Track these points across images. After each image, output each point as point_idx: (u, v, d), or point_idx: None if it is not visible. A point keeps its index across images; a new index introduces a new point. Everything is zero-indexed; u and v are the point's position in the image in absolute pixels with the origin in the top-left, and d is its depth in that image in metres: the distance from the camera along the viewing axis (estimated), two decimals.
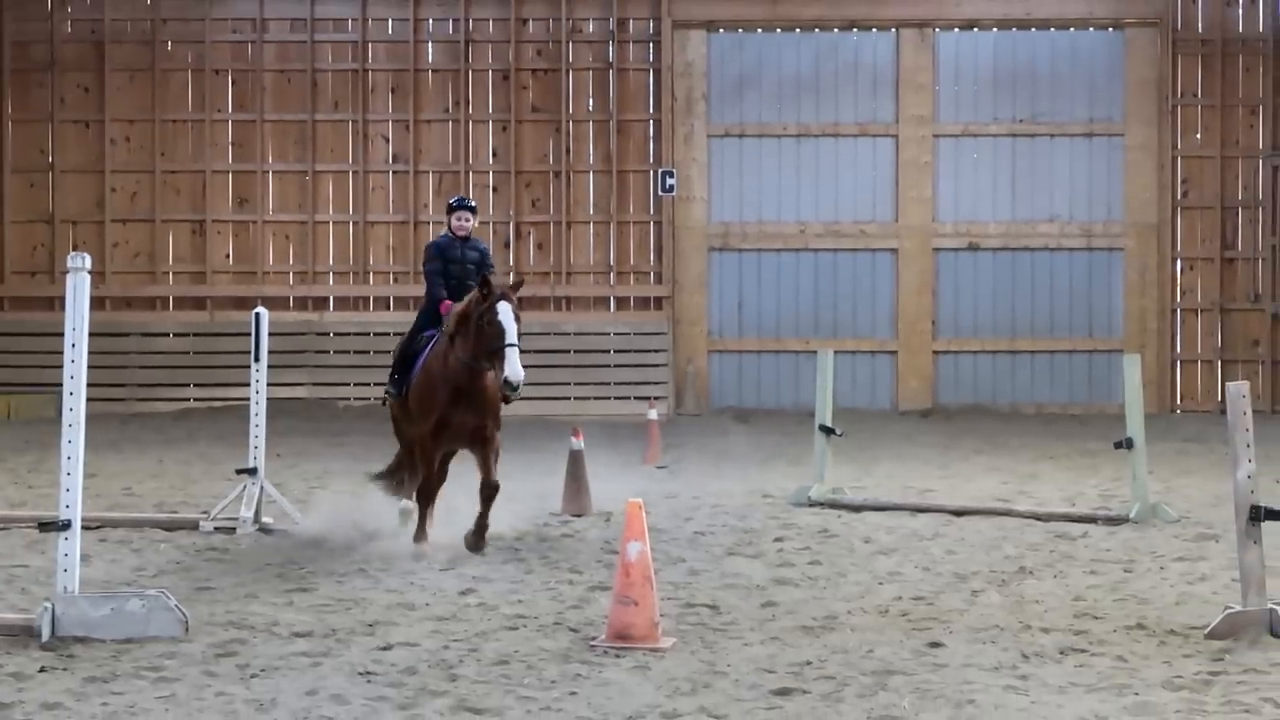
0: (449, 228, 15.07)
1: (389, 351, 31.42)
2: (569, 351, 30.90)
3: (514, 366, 13.19)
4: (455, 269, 14.73)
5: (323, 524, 15.58)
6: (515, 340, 13.29)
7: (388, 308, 31.78)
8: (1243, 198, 31.64)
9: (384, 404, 15.44)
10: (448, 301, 14.38)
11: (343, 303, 31.93)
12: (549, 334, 30.61)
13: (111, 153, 31.59)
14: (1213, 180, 31.49)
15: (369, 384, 30.69)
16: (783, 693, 9.14)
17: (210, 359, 30.71)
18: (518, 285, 14.19)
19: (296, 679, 9.49)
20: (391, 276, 31.83)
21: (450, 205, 15.21)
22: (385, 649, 10.34)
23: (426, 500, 14.49)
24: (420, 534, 14.31)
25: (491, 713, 8.75)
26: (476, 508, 14.09)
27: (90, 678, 9.46)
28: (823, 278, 31.58)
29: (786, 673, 9.63)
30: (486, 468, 14.05)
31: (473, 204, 15.32)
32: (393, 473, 15.64)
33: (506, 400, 13.91)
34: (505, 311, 13.34)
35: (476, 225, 15.35)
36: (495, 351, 13.32)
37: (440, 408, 13.92)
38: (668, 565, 13.24)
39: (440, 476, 14.91)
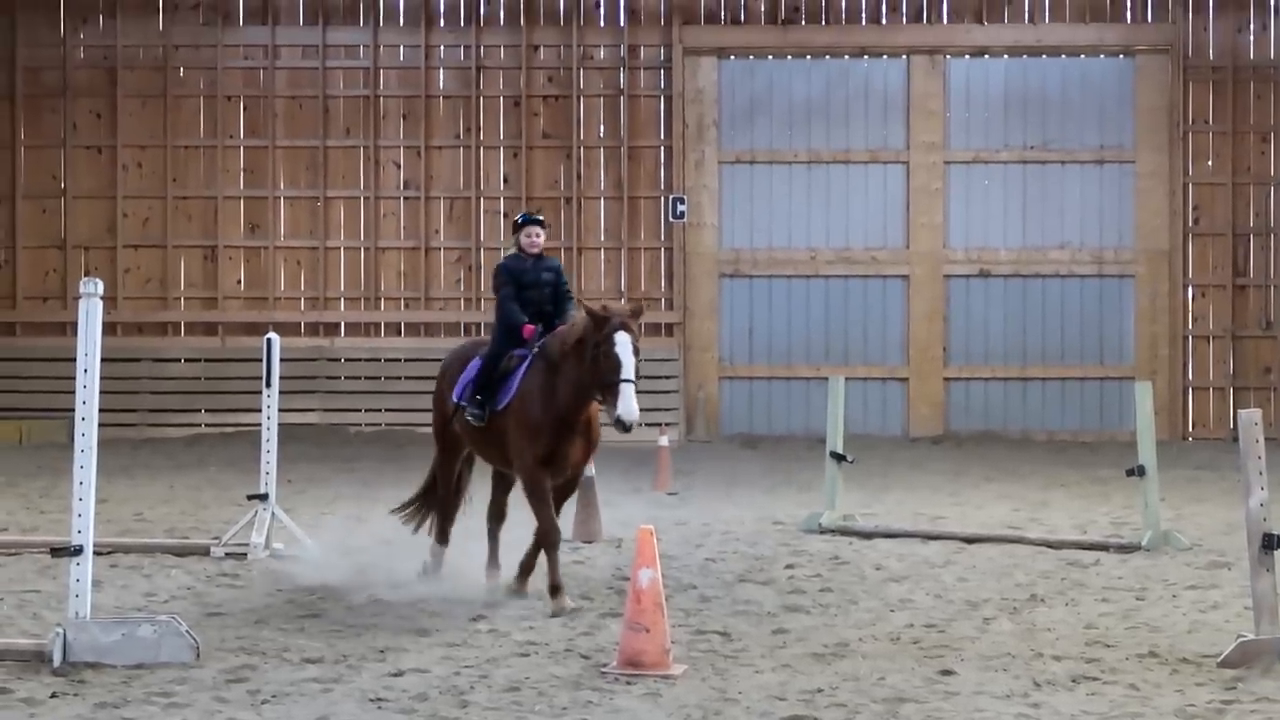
0: (517, 246, 13.71)
1: (400, 377, 31.78)
2: None
3: (628, 404, 12.01)
4: (530, 293, 13.41)
5: (334, 550, 15.61)
6: (632, 375, 12.12)
7: (399, 333, 31.82)
8: (1254, 224, 31.63)
9: (469, 419, 13.37)
10: (530, 325, 13.16)
11: (354, 328, 31.95)
12: None
13: (123, 178, 31.65)
14: (1224, 207, 31.49)
15: (380, 410, 30.89)
16: (780, 713, 9.17)
17: (222, 384, 30.75)
18: (637, 313, 12.70)
19: (307, 705, 9.51)
20: (403, 302, 31.85)
21: (517, 222, 13.92)
22: (396, 675, 10.35)
23: (554, 544, 12.78)
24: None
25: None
26: (537, 557, 13.14)
27: (101, 703, 9.48)
28: (833, 304, 31.59)
29: (798, 700, 9.64)
30: (556, 507, 13.08)
31: (540, 218, 14.03)
32: (417, 506, 14.72)
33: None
34: (624, 343, 12.11)
35: (544, 242, 13.79)
36: (609, 386, 12.11)
37: (548, 439, 12.71)
38: (679, 592, 13.26)
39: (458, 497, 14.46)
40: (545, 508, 12.71)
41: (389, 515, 15.11)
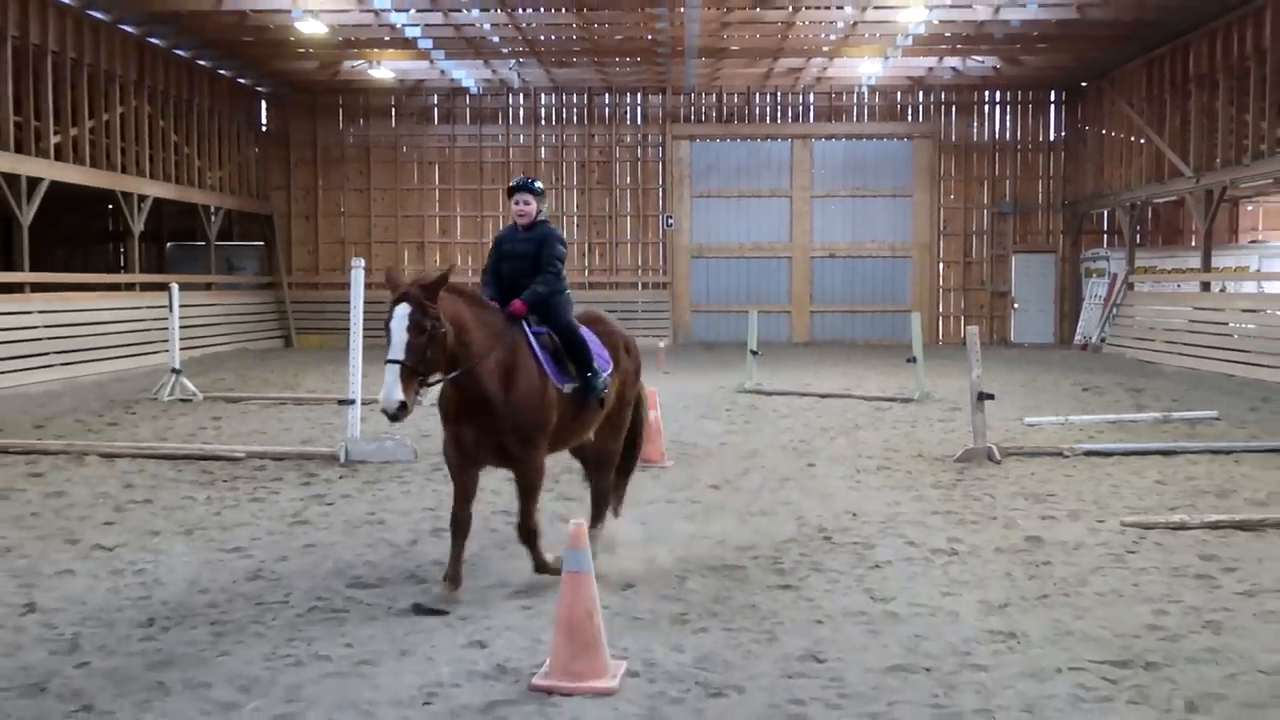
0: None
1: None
2: (618, 312, 30.83)
3: (384, 388, 5.62)
4: (507, 266, 6.63)
5: None
6: (398, 355, 5.59)
7: None
8: (976, 229, 31.39)
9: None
10: (493, 304, 6.39)
11: None
12: (606, 304, 30.59)
13: (374, 206, 31.55)
14: (960, 220, 31.27)
15: None
16: (722, 486, 9.21)
17: None
18: (437, 281, 5.78)
19: (481, 480, 9.54)
20: None
21: (509, 189, 6.69)
22: None
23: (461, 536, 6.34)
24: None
25: (579, 499, 8.82)
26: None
27: (367, 481, 9.59)
28: (751, 273, 31.45)
29: (725, 480, 9.71)
30: (518, 501, 6.47)
31: (532, 184, 6.67)
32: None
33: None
34: (397, 317, 5.65)
35: (540, 211, 6.66)
36: None
37: (450, 420, 6.37)
38: (669, 423, 13.31)
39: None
40: (452, 486, 6.44)
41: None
